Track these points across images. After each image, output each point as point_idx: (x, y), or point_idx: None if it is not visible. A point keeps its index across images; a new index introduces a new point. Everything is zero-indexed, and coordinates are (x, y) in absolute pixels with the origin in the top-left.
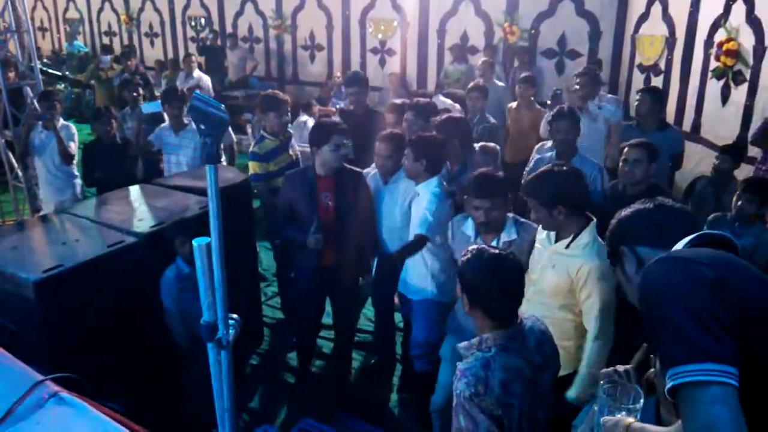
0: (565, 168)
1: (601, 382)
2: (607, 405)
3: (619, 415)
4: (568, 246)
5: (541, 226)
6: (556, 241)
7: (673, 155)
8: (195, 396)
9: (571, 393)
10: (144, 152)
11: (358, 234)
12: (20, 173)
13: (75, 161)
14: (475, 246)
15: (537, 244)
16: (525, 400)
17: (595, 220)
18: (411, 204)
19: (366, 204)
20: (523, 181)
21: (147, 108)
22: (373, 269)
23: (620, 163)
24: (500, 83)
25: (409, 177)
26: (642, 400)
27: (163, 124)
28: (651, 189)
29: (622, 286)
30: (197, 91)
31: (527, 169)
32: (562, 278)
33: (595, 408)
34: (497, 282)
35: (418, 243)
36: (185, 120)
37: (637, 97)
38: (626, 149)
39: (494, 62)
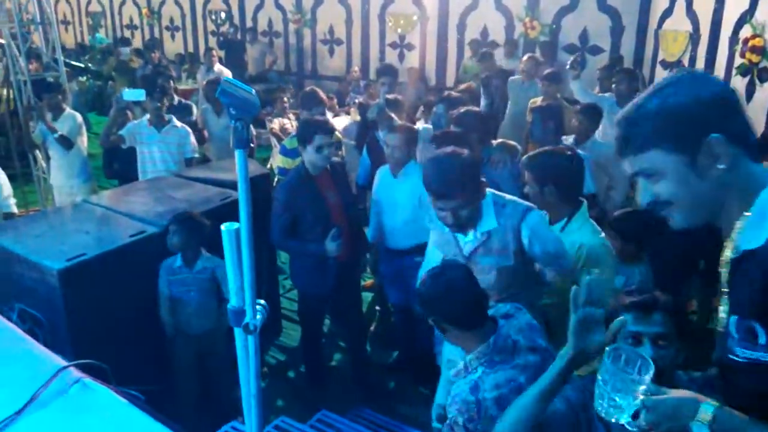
0: (568, 152)
1: (607, 349)
2: (617, 375)
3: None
4: (563, 229)
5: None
6: (551, 225)
7: None
8: (177, 384)
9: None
10: (109, 147)
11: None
12: (44, 164)
13: (84, 148)
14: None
15: None
16: None
17: (585, 203)
18: (421, 198)
19: (351, 192)
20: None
21: (129, 95)
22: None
23: None
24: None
25: None
26: (652, 371)
27: (136, 120)
28: None
29: (670, 188)
30: (227, 76)
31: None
32: None
33: (599, 379)
34: (448, 296)
35: None
36: (166, 117)
37: None
38: None
39: (538, 59)
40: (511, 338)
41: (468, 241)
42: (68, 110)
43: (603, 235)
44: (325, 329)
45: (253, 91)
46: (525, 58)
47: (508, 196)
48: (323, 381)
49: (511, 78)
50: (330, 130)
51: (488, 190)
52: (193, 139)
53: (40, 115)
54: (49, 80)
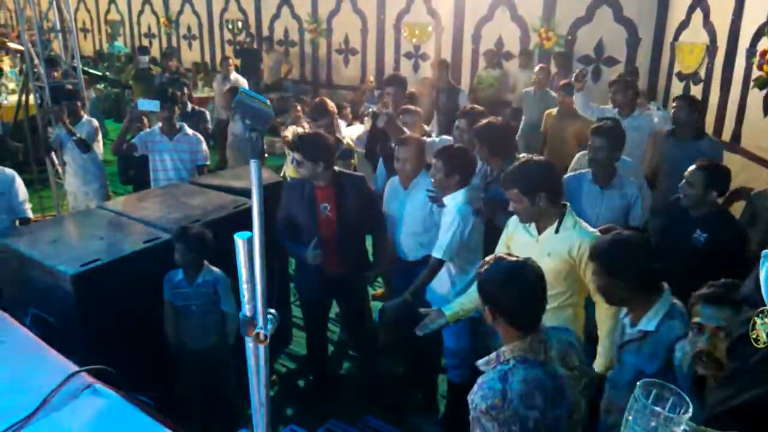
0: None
1: (638, 384)
2: (650, 414)
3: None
4: (557, 231)
5: (520, 218)
6: (540, 232)
7: None
8: (182, 399)
9: (598, 363)
10: (123, 154)
11: (362, 241)
12: (60, 170)
13: (99, 154)
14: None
15: (517, 240)
16: (548, 411)
17: (569, 206)
18: (432, 209)
19: (370, 208)
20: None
21: (143, 105)
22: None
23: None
24: (553, 93)
25: (435, 185)
26: (690, 409)
27: (148, 129)
28: (714, 213)
29: None
30: (243, 87)
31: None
32: (560, 263)
33: (628, 417)
34: (518, 287)
35: (434, 270)
36: (177, 125)
37: (674, 104)
38: (690, 168)
39: (549, 69)
40: (546, 343)
41: (629, 332)
42: (85, 117)
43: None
44: (336, 338)
45: (268, 102)
46: (537, 68)
47: (678, 305)
48: (330, 389)
49: (525, 89)
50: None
51: (675, 302)
52: (204, 146)
53: (59, 117)
54: (68, 87)
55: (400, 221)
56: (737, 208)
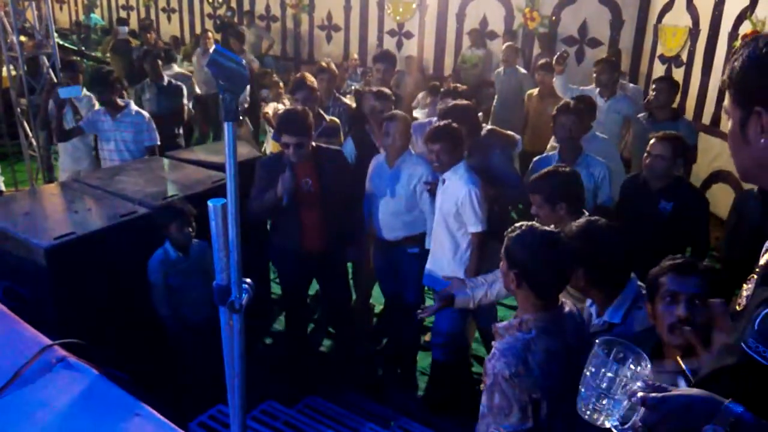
0: (568, 169)
1: (597, 341)
2: (606, 369)
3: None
4: None
5: (540, 221)
6: None
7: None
8: (186, 377)
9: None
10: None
11: (343, 215)
12: (34, 142)
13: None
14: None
15: None
16: (562, 382)
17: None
18: (417, 187)
19: (350, 182)
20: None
21: (64, 92)
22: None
23: (645, 155)
24: (523, 70)
25: (439, 169)
26: (648, 365)
27: (96, 109)
28: (675, 183)
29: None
30: (218, 45)
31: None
32: None
33: (586, 372)
34: (548, 256)
35: (480, 246)
36: (121, 102)
37: (653, 87)
38: (651, 141)
39: (516, 47)
40: (566, 319)
41: (595, 322)
42: (84, 91)
43: None
44: (315, 314)
45: (244, 62)
46: (504, 47)
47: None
48: (309, 366)
49: (497, 70)
50: (288, 129)
51: (642, 290)
52: (152, 126)
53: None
54: (70, 59)
55: (384, 200)
56: (716, 191)
